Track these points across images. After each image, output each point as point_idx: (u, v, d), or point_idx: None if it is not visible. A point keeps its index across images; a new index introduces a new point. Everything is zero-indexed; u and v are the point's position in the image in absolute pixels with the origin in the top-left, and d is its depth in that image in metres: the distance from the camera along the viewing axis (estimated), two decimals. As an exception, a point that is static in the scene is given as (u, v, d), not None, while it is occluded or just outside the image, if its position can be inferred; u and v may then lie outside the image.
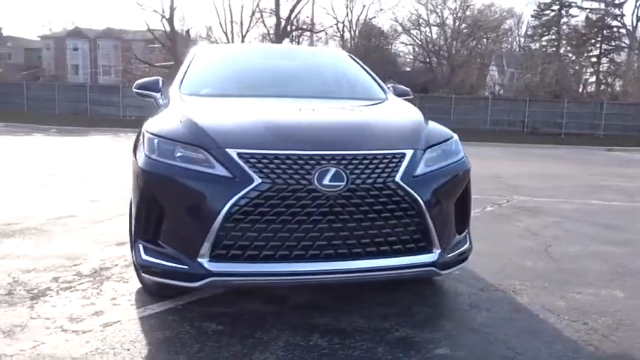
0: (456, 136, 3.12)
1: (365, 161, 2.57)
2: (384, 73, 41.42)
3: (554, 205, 6.85)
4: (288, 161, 2.50)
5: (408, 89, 4.29)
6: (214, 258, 2.48)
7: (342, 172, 2.50)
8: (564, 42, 43.70)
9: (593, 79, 44.11)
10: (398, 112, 3.36)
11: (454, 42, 43.79)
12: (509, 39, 52.28)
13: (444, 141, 2.99)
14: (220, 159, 2.52)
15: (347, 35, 47.07)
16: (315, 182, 2.46)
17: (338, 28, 47.14)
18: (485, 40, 47.31)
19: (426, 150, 2.81)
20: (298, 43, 40.33)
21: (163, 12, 32.71)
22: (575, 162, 14.76)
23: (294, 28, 33.15)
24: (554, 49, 41.59)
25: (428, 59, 46.53)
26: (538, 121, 28.51)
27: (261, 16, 33.09)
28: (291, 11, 31.91)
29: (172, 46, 33.35)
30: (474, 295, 3.38)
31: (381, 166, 2.59)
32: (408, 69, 51.94)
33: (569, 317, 3.07)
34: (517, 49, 49.62)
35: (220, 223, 2.44)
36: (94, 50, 51.35)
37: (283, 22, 32.72)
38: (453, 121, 28.20)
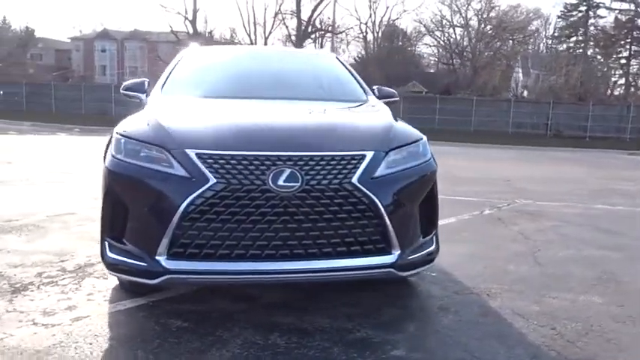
0: (424, 138, 3.12)
1: (322, 162, 2.60)
2: (407, 74, 41.37)
3: (557, 209, 6.75)
4: (245, 162, 2.54)
5: (394, 91, 4.28)
6: (172, 256, 2.54)
7: (297, 173, 2.53)
8: (591, 43, 42.85)
9: (622, 81, 43.17)
10: (368, 115, 3.38)
11: (478, 43, 43.31)
12: (536, 40, 51.55)
13: (411, 143, 2.99)
14: (179, 159, 2.57)
15: (370, 37, 46.95)
16: (270, 183, 2.50)
17: (361, 30, 47.05)
18: (510, 41, 46.72)
19: (389, 152, 2.82)
20: (321, 45, 40.45)
21: (186, 14, 33.16)
22: (592, 165, 14.48)
23: (315, 29, 33.25)
24: (580, 50, 40.78)
25: (451, 61, 46.13)
26: (562, 124, 28.03)
27: (283, 18, 33.28)
28: (312, 13, 32.04)
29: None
30: (447, 298, 3.37)
31: (338, 167, 2.61)
32: (432, 71, 51.64)
33: (538, 322, 3.04)
34: (544, 51, 48.87)
35: (177, 221, 2.50)
36: (121, 51, 52.36)
37: (304, 24, 32.79)
38: (474, 124, 27.99)
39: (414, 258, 2.84)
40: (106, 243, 2.77)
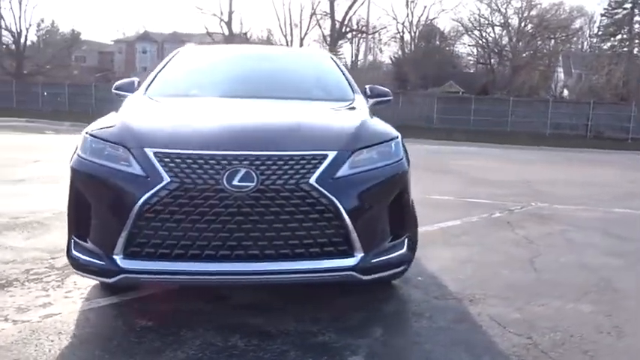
0: (398, 138, 3.03)
1: (279, 162, 2.55)
2: (444, 74, 40.75)
3: (572, 212, 6.50)
4: (200, 161, 2.52)
5: (387, 90, 4.20)
6: (128, 255, 2.54)
7: (253, 173, 2.50)
8: (636, 42, 41.25)
9: (671, 80, 41.32)
10: (342, 114, 3.30)
11: (517, 42, 42.30)
12: (580, 39, 50.01)
13: (381, 142, 2.91)
14: (138, 158, 2.57)
15: (407, 37, 46.49)
16: (224, 182, 2.47)
17: (398, 30, 46.64)
18: (552, 40, 45.47)
19: (355, 151, 2.75)
20: (357, 45, 40.29)
21: (222, 15, 33.60)
22: (628, 168, 13.91)
23: (349, 30, 33.14)
24: (625, 49, 39.31)
25: (489, 60, 45.21)
26: (603, 125, 27.10)
27: (318, 18, 33.28)
28: (346, 13, 31.94)
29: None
30: (425, 303, 3.27)
31: (297, 167, 2.56)
32: (470, 71, 50.74)
33: (514, 330, 2.91)
34: (587, 50, 47.38)
35: (132, 221, 2.50)
36: (161, 53, 53.47)
37: (338, 25, 32.73)
38: (511, 124, 27.34)
39: (380, 261, 2.76)
40: (72, 241, 2.79)
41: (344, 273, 2.64)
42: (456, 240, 4.84)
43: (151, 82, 3.84)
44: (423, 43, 46.80)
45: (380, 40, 46.17)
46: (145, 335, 2.73)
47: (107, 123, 2.95)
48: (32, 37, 45.98)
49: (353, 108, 3.44)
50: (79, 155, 2.78)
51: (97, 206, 2.65)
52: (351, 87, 3.97)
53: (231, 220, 2.49)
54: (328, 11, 32.26)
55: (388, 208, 2.83)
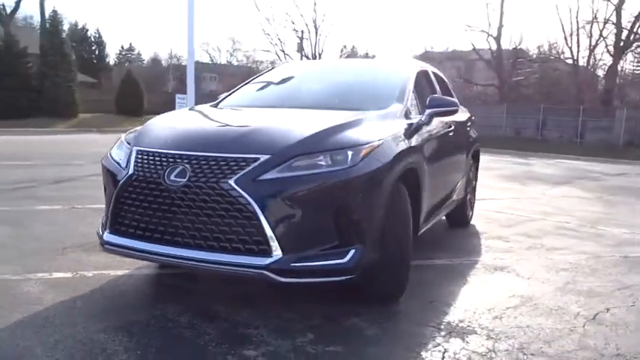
0: (365, 147, 2.98)
1: (211, 162, 2.84)
2: None
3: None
4: (156, 158, 2.99)
5: (450, 101, 4.02)
6: (110, 231, 3.15)
7: (187, 171, 2.85)
8: None
9: None
10: (317, 120, 3.28)
11: None
12: None
13: (334, 150, 2.92)
14: (130, 154, 3.17)
15: None
16: (164, 177, 2.89)
17: None
18: None
19: (298, 156, 2.85)
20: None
21: (489, 31, 32.88)
22: None
23: (637, 38, 28.70)
24: None
25: None
26: None
27: (599, 28, 29.66)
28: (636, 20, 27.69)
29: (498, 64, 33.19)
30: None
31: (223, 167, 2.81)
32: None
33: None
34: None
35: (113, 203, 3.11)
36: (442, 71, 54.88)
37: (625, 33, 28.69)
38: None
39: (302, 267, 2.79)
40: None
41: (257, 271, 2.76)
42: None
43: (230, 94, 4.47)
44: None
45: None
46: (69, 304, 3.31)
47: (140, 128, 3.63)
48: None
49: (358, 117, 3.39)
50: (109, 153, 3.50)
51: (106, 191, 3.33)
52: (400, 97, 3.90)
53: (168, 210, 2.88)
54: (613, 20, 28.49)
55: (328, 215, 2.84)
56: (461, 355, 2.72)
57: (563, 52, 34.33)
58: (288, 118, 3.52)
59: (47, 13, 35.15)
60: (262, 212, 2.73)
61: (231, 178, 2.78)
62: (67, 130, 25.55)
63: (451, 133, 4.72)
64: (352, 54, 74.09)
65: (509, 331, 3.03)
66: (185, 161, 2.90)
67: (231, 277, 3.52)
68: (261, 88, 4.55)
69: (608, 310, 3.44)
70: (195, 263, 2.88)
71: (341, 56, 69.29)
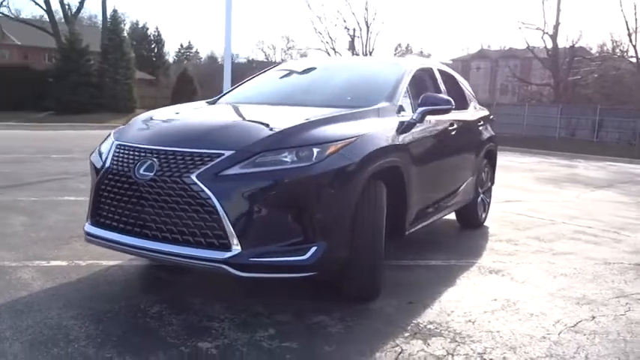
0: (334, 144, 2.98)
1: (178, 157, 2.91)
2: None
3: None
4: (129, 152, 3.09)
5: (443, 99, 3.95)
6: (91, 223, 3.28)
7: (155, 165, 2.93)
8: None
9: None
10: (287, 117, 3.29)
11: None
12: None
13: (299, 146, 2.93)
14: (110, 148, 3.29)
15: None
16: (134, 170, 2.98)
17: None
18: None
19: (263, 152, 2.88)
20: None
21: (545, 28, 31.71)
22: None
23: None
24: None
25: None
26: None
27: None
28: None
29: (553, 63, 31.99)
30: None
31: (188, 163, 2.87)
32: None
33: None
34: None
35: (93, 195, 3.24)
36: (495, 70, 53.45)
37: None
38: None
39: (261, 262, 2.81)
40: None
41: (216, 265, 2.81)
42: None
43: (229, 91, 4.55)
44: None
45: None
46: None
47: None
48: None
49: (336, 114, 3.38)
50: (97, 146, 3.62)
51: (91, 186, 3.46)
52: (390, 94, 3.86)
53: (137, 203, 2.97)
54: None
55: (290, 212, 2.85)
56: (416, 356, 2.68)
57: (627, 51, 32.72)
58: (263, 114, 3.55)
59: (109, 13, 36.63)
60: (222, 207, 2.77)
61: (193, 172, 2.83)
62: (124, 125, 26.57)
63: (454, 132, 4.62)
64: (406, 52, 73.28)
65: (476, 336, 2.95)
66: (154, 156, 2.98)
67: (211, 273, 3.57)
68: (259, 85, 4.61)
69: (593, 318, 3.29)
70: (162, 256, 2.96)
71: (395, 55, 68.67)
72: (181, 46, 68.62)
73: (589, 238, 5.49)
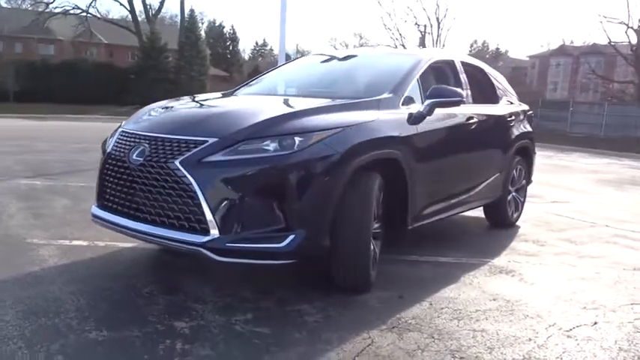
0: (317, 133, 3.00)
1: (166, 143, 3.03)
2: None
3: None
4: (128, 138, 3.25)
5: (452, 91, 3.86)
6: (97, 204, 3.48)
7: (146, 150, 3.06)
8: None
9: None
10: (279, 106, 3.35)
11: None
12: None
13: (281, 135, 2.96)
14: (115, 135, 3.47)
15: None
16: (129, 155, 3.13)
17: None
18: None
19: (247, 140, 2.94)
20: None
21: (629, 22, 29.73)
22: None
23: None
24: None
25: None
26: None
27: None
28: None
29: (637, 59, 29.95)
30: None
31: (174, 149, 2.98)
32: None
33: None
34: None
35: (98, 179, 3.43)
36: (576, 66, 50.72)
37: None
38: None
39: (237, 247, 2.87)
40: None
41: (195, 248, 2.90)
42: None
43: (248, 83, 4.66)
44: None
45: None
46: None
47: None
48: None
49: (328, 104, 3.42)
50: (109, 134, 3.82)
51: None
52: (396, 86, 3.81)
53: (130, 187, 3.12)
54: None
55: (269, 199, 2.90)
56: (384, 349, 2.64)
57: None
58: (258, 105, 3.61)
59: (186, 13, 38.14)
60: (202, 192, 2.85)
61: (178, 158, 2.94)
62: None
63: (473, 126, 4.48)
64: (482, 49, 71.20)
65: (457, 333, 2.87)
66: (145, 142, 3.11)
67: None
68: (275, 77, 4.71)
69: (595, 323, 3.10)
70: (150, 237, 3.10)
71: (470, 52, 66.88)
72: (256, 43, 70.39)
73: (627, 243, 5.15)
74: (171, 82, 34.21)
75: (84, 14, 39.66)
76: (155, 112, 3.58)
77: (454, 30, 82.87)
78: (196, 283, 3.41)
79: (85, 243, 4.17)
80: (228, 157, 2.91)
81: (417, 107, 3.82)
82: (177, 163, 2.93)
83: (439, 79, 4.40)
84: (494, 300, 3.39)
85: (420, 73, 4.06)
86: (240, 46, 55.75)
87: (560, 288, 3.70)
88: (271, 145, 2.94)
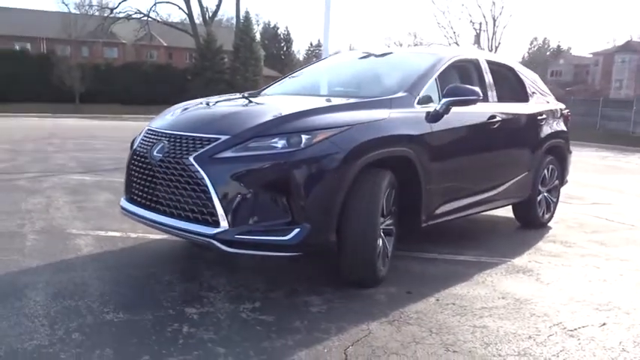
0: (323, 131, 3.12)
1: (183, 140, 3.22)
2: None
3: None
4: (151, 135, 3.47)
5: (469, 89, 3.88)
6: (125, 198, 3.72)
7: (166, 147, 3.27)
8: None
9: None
10: (290, 104, 3.48)
11: None
12: None
13: (289, 133, 3.09)
14: (142, 132, 3.71)
15: None
16: (150, 152, 3.35)
17: None
18: None
19: (256, 137, 3.10)
20: None
21: None
22: None
23: None
24: None
25: None
26: None
27: None
28: None
29: None
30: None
31: (190, 145, 3.16)
32: None
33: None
34: None
35: (126, 173, 3.68)
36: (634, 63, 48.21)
37: None
38: None
39: (246, 239, 3.01)
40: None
41: (206, 239, 3.07)
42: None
43: (275, 83, 4.83)
44: None
45: None
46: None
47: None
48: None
49: (339, 103, 3.56)
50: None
51: (129, 164, 3.90)
52: (412, 85, 3.87)
53: (152, 181, 3.33)
54: None
55: (276, 193, 3.04)
56: (379, 340, 2.73)
57: None
58: (274, 104, 3.75)
59: (242, 15, 38.98)
60: (213, 186, 3.02)
61: (192, 154, 3.12)
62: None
63: (496, 125, 4.46)
64: (542, 47, 68.95)
65: (457, 329, 2.91)
66: (165, 139, 3.32)
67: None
68: (302, 77, 4.87)
69: (603, 324, 3.07)
70: (167, 229, 3.30)
71: (530, 49, 64.89)
72: (311, 44, 70.74)
73: (663, 247, 4.97)
74: (227, 82, 35.13)
75: (145, 18, 41.25)
76: (179, 111, 3.79)
77: (511, 27, 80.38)
78: (214, 273, 3.60)
79: (118, 234, 4.45)
80: (238, 154, 3.07)
81: (434, 106, 3.87)
82: (191, 159, 3.11)
83: (461, 78, 4.42)
84: (502, 298, 3.40)
85: (438, 72, 4.09)
86: (295, 47, 56.35)
87: (576, 289, 3.65)
88: (279, 143, 3.08)
